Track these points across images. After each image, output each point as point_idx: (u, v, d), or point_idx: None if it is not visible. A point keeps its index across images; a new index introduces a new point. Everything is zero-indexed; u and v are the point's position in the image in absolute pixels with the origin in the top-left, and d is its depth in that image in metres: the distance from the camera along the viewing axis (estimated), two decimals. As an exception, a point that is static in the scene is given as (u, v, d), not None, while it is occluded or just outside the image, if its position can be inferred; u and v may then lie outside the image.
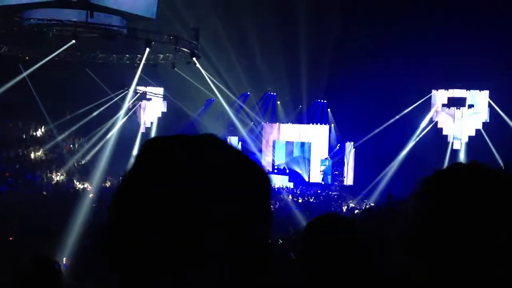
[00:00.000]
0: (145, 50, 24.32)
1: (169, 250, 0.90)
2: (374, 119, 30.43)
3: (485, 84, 30.08)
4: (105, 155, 26.31)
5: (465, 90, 31.25)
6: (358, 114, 29.19)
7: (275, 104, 35.62)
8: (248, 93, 34.04)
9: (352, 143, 33.22)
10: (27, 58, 25.71)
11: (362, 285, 1.90)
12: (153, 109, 34.19)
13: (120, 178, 0.97)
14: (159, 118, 34.00)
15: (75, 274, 12.05)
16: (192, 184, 0.92)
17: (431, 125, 31.77)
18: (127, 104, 29.64)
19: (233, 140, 35.14)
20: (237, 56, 30.62)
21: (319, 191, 31.36)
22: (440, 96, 31.89)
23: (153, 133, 33.03)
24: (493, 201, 1.07)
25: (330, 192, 31.35)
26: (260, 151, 35.09)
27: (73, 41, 22.71)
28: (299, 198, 29.36)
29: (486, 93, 30.66)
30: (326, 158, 33.74)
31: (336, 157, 33.63)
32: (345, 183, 33.09)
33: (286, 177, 33.62)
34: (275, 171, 34.39)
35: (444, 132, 31.69)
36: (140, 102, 33.80)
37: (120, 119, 28.92)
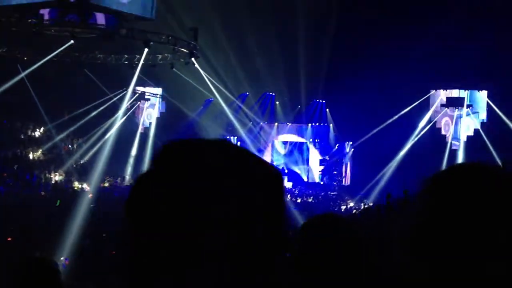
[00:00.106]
0: (143, 50, 24.31)
1: (169, 250, 0.90)
2: (372, 119, 30.41)
3: (483, 84, 30.10)
4: (104, 155, 26.28)
5: (463, 90, 31.26)
6: (357, 114, 29.20)
7: (274, 104, 35.61)
8: (247, 93, 34.02)
9: (351, 143, 33.22)
10: (25, 58, 25.70)
11: (360, 285, 1.90)
12: (151, 110, 34.17)
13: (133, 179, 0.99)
14: (157, 119, 33.96)
15: (74, 274, 12.03)
16: (191, 184, 0.92)
17: (429, 125, 31.77)
18: (125, 104, 29.62)
19: (232, 140, 35.15)
20: (235, 56, 30.60)
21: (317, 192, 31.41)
22: (438, 96, 31.90)
23: (151, 134, 33.02)
24: (494, 201, 1.07)
25: (329, 192, 31.36)
26: (259, 151, 35.07)
27: (72, 41, 22.71)
28: (298, 198, 29.36)
29: (484, 93, 30.67)
30: (324, 158, 33.78)
31: (334, 157, 33.64)
32: (343, 183, 33.09)
33: (285, 177, 33.64)
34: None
35: (443, 132, 31.71)
36: (139, 103, 33.76)
37: (119, 119, 28.89)
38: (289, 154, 34.62)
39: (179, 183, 0.92)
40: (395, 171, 29.52)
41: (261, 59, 31.09)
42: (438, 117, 31.81)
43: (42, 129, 30.04)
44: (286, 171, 34.16)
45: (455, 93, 31.63)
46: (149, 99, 34.08)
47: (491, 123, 29.86)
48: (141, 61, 25.99)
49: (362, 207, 24.61)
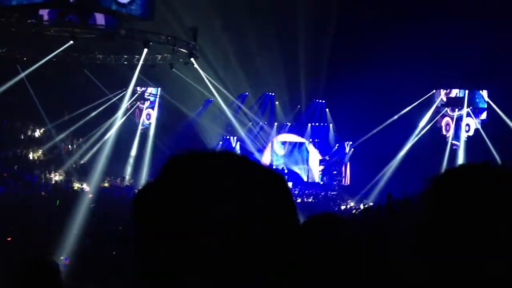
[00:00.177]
0: (143, 50, 24.32)
1: (169, 253, 0.92)
2: (372, 119, 30.41)
3: (484, 83, 30.09)
4: (104, 155, 26.28)
5: (464, 90, 31.25)
6: (357, 114, 29.18)
7: (274, 104, 35.59)
8: (247, 93, 34.01)
9: (351, 142, 33.22)
10: (25, 59, 25.71)
11: (359, 285, 1.89)
12: (151, 110, 34.17)
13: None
14: (157, 119, 33.96)
15: (74, 274, 12.03)
16: (192, 185, 0.95)
17: (430, 125, 31.76)
18: (125, 104, 29.62)
19: (232, 140, 35.15)
20: (235, 56, 30.60)
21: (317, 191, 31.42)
22: (439, 96, 31.90)
23: (151, 134, 33.02)
24: (494, 202, 1.07)
25: (329, 192, 31.36)
26: (259, 151, 35.07)
27: (71, 41, 22.71)
28: (298, 198, 29.37)
29: (485, 92, 30.67)
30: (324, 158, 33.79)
31: (334, 157, 33.64)
32: (343, 183, 33.09)
33: (285, 177, 33.57)
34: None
35: (443, 132, 31.71)
36: (138, 103, 33.77)
37: (118, 119, 28.89)
38: (289, 154, 34.62)
39: (179, 189, 0.95)
40: (395, 171, 29.52)
41: (260, 59, 31.08)
42: (438, 117, 31.81)
43: (42, 129, 30.06)
44: (286, 171, 34.15)
45: (455, 93, 31.63)
46: (148, 99, 34.09)
47: (492, 123, 29.85)
48: (141, 61, 26.00)
49: (362, 207, 24.61)
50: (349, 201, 28.98)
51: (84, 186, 25.61)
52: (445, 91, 31.75)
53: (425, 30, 26.58)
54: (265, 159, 34.85)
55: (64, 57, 25.60)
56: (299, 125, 35.01)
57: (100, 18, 22.40)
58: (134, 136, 32.46)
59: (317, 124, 34.52)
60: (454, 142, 31.28)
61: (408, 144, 30.94)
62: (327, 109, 34.51)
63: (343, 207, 27.18)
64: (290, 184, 32.71)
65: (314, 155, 34.31)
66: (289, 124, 35.27)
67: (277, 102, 35.48)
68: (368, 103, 28.46)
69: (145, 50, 24.07)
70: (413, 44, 26.71)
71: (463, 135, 31.01)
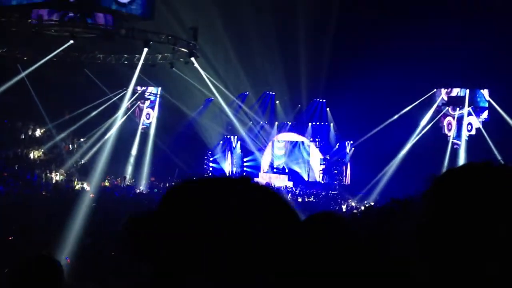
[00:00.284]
0: (143, 50, 24.34)
1: (169, 253, 0.94)
2: (373, 118, 30.42)
3: (485, 82, 30.08)
4: (104, 155, 26.31)
5: (465, 89, 31.24)
6: (357, 113, 29.18)
7: (274, 103, 35.63)
8: (247, 92, 34.05)
9: (351, 142, 33.24)
10: (25, 58, 25.74)
11: (360, 284, 1.88)
12: (151, 109, 34.22)
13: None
14: (157, 118, 34.00)
15: (75, 273, 12.04)
16: (193, 196, 1.00)
17: (431, 124, 31.76)
18: (125, 104, 29.67)
19: (232, 140, 35.21)
20: (235, 55, 30.62)
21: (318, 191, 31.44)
22: (440, 95, 31.90)
23: (151, 133, 33.07)
24: (495, 202, 1.07)
25: (329, 192, 31.39)
26: (259, 150, 35.12)
27: (71, 41, 22.74)
28: (299, 197, 29.40)
29: (486, 92, 30.66)
30: (325, 157, 33.80)
31: (335, 156, 33.66)
32: (344, 182, 33.11)
33: (286, 177, 33.67)
34: (274, 170, 34.44)
35: (444, 131, 31.70)
36: (139, 102, 33.82)
37: (119, 119, 28.94)
38: (290, 153, 34.65)
39: (182, 196, 1.02)
40: (396, 171, 29.54)
41: (261, 58, 31.11)
42: (439, 116, 31.81)
43: (42, 129, 30.11)
44: (286, 170, 34.20)
45: (456, 92, 31.62)
46: (149, 99, 34.14)
47: (493, 122, 29.84)
48: (141, 61, 26.04)
49: (363, 207, 24.63)
50: (350, 200, 29.00)
51: (85, 185, 25.64)
52: (446, 90, 31.75)
53: (425, 29, 26.58)
54: (266, 158, 34.89)
55: (64, 56, 25.64)
56: (299, 125, 35.04)
57: (100, 18, 22.42)
58: (135, 135, 32.52)
59: (317, 123, 34.55)
60: (455, 141, 31.28)
61: (409, 144, 30.95)
62: (327, 109, 34.54)
63: (344, 207, 27.21)
64: (290, 183, 32.85)
65: (315, 154, 34.33)
66: (290, 123, 35.31)
67: (277, 101, 35.53)
68: (369, 103, 28.47)
69: (145, 49, 24.10)
70: (414, 43, 26.71)
71: (464, 135, 31.01)
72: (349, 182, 32.95)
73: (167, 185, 29.03)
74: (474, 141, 30.16)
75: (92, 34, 23.04)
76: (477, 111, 30.92)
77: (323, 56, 30.18)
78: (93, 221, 17.05)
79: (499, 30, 24.82)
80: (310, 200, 29.12)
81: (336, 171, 33.35)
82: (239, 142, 35.08)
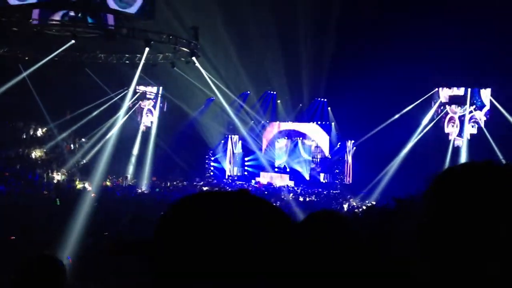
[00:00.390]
0: (144, 49, 24.35)
1: (169, 253, 0.96)
2: (375, 118, 30.41)
3: (487, 82, 30.06)
4: (106, 154, 26.32)
5: (466, 88, 31.22)
6: (359, 112, 29.17)
7: (275, 103, 35.63)
8: (248, 92, 34.05)
9: (353, 141, 33.23)
10: (26, 58, 25.75)
11: (360, 283, 1.88)
12: (152, 109, 34.24)
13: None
14: (159, 118, 34.03)
15: (76, 273, 12.04)
16: (196, 203, 1.04)
17: (432, 123, 31.74)
18: (127, 103, 29.66)
19: (234, 139, 35.21)
20: (237, 55, 30.63)
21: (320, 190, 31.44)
22: (441, 94, 31.88)
23: (153, 133, 33.09)
24: (496, 201, 1.06)
25: (331, 191, 31.39)
26: (261, 149, 35.13)
27: (73, 41, 22.74)
28: (300, 196, 29.40)
29: (488, 91, 30.64)
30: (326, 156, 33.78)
31: (336, 155, 33.64)
32: (345, 181, 33.10)
33: (287, 176, 33.66)
34: (276, 169, 34.43)
35: (446, 130, 31.69)
36: (140, 102, 33.85)
37: (120, 118, 28.95)
38: (291, 152, 34.63)
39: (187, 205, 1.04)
40: (398, 170, 29.51)
41: (262, 57, 31.11)
42: (440, 115, 31.79)
43: (44, 128, 30.14)
44: (288, 169, 34.19)
45: (457, 91, 31.60)
46: (150, 98, 34.15)
47: (495, 121, 29.82)
48: (142, 61, 26.03)
49: (364, 206, 24.61)
50: (351, 199, 28.99)
51: (86, 185, 25.66)
52: (448, 89, 31.73)
53: (426, 29, 26.56)
54: (267, 157, 34.87)
55: (65, 56, 25.65)
56: (301, 124, 35.06)
57: (101, 18, 22.43)
58: (136, 135, 32.55)
59: (319, 122, 34.53)
60: (456, 140, 31.27)
61: (410, 143, 30.94)
62: (329, 108, 34.52)
63: (345, 206, 27.20)
64: (292, 182, 32.84)
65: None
66: (291, 122, 35.31)
67: (279, 101, 35.53)
68: (370, 102, 28.46)
69: (147, 49, 24.09)
70: (414, 43, 26.68)
71: (466, 134, 31.00)
72: (350, 181, 32.93)
73: (168, 184, 29.08)
74: (476, 140, 30.15)
75: (94, 34, 23.05)
76: (479, 110, 30.90)
77: (325, 55, 30.19)
78: (95, 221, 17.06)
79: (500, 30, 24.79)
80: (312, 199, 29.12)
81: (337, 170, 33.34)
82: (240, 141, 35.10)
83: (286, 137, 34.96)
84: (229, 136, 35.07)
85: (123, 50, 26.46)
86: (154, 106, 34.25)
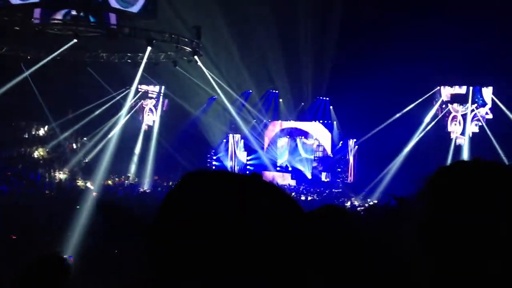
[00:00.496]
0: (146, 49, 24.35)
1: (169, 253, 0.94)
2: (376, 117, 30.41)
3: (488, 80, 30.03)
4: (108, 153, 26.34)
5: (468, 86, 31.18)
6: (361, 111, 29.17)
7: (277, 101, 35.63)
8: (250, 91, 34.05)
9: (355, 140, 33.23)
10: (28, 57, 25.76)
11: (362, 280, 1.87)
12: (154, 108, 34.25)
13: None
14: (161, 117, 34.04)
15: (77, 272, 12.06)
16: (194, 194, 0.98)
17: (434, 122, 31.72)
18: (129, 102, 29.66)
19: (236, 138, 35.21)
20: (239, 54, 30.63)
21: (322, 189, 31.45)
22: (443, 92, 31.84)
23: (155, 132, 33.11)
24: (495, 198, 1.07)
25: (333, 190, 31.39)
26: (263, 148, 35.12)
27: (75, 40, 22.76)
28: (302, 195, 29.39)
29: (489, 89, 30.60)
30: (327, 155, 33.78)
31: (338, 154, 33.64)
32: (348, 180, 33.10)
33: (289, 175, 33.66)
34: (278, 168, 34.43)
35: (449, 129, 31.66)
36: (142, 101, 33.86)
37: (122, 117, 28.95)
38: (292, 151, 34.63)
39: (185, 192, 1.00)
40: (400, 168, 29.51)
41: (264, 56, 31.11)
42: (442, 114, 31.76)
43: (46, 128, 30.16)
44: (290, 168, 34.18)
45: (459, 89, 31.57)
46: (152, 98, 34.17)
47: (496, 120, 29.80)
48: (144, 60, 26.03)
49: (366, 205, 24.61)
50: (353, 198, 28.99)
51: (88, 184, 25.68)
52: (449, 87, 31.70)
53: (427, 28, 26.56)
54: (268, 156, 34.87)
55: (67, 55, 25.65)
56: (303, 123, 35.05)
57: (103, 17, 22.45)
58: (138, 134, 32.57)
59: (321, 121, 34.53)
60: (458, 139, 31.24)
61: (412, 141, 30.93)
62: (331, 107, 34.53)
63: (347, 205, 27.20)
64: (294, 182, 32.83)
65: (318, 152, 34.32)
66: (293, 121, 35.31)
67: (281, 100, 35.53)
68: (372, 101, 28.46)
69: (149, 48, 24.09)
70: (415, 42, 26.68)
71: (468, 132, 30.97)
72: (352, 180, 32.93)
73: (170, 183, 29.08)
74: (477, 139, 30.13)
75: (96, 33, 23.05)
76: (481, 108, 30.87)
77: (326, 54, 30.19)
78: (97, 220, 17.07)
79: (500, 30, 24.76)
80: (314, 198, 29.12)
81: (339, 169, 33.35)
82: (242, 140, 35.09)
83: (287, 136, 34.94)
84: (231, 135, 35.07)
85: (125, 49, 26.45)
86: (156, 105, 34.26)
